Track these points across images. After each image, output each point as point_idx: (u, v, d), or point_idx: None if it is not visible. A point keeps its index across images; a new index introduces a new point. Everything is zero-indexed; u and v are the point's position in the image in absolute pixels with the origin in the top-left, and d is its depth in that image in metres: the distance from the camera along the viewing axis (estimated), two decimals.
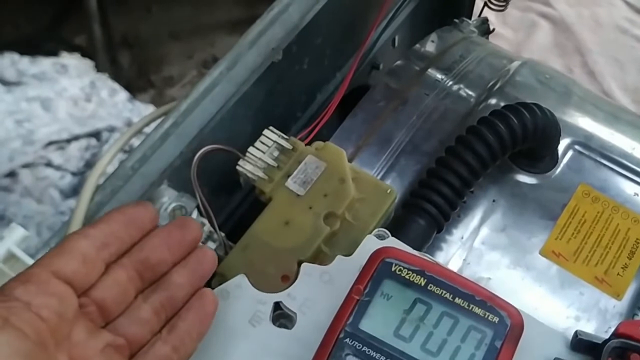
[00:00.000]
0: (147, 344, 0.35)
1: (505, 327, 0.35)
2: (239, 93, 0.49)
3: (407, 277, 0.37)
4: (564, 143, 0.52)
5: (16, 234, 0.38)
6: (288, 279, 0.41)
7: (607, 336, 0.37)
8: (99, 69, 1.14)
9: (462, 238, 0.49)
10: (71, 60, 1.09)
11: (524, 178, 0.51)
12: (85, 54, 1.15)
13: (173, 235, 0.37)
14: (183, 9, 1.46)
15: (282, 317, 0.40)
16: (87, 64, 1.11)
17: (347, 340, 0.35)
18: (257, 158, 0.45)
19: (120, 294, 0.35)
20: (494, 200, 0.50)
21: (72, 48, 1.21)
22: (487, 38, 0.73)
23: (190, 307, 0.36)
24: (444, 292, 0.36)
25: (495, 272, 0.48)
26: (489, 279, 0.47)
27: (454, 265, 0.48)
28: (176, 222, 0.38)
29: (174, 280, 0.36)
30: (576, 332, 0.37)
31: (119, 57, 1.41)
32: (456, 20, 0.67)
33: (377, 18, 0.59)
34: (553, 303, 0.47)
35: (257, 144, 0.46)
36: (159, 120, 0.47)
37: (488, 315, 0.35)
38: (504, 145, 0.46)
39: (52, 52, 1.10)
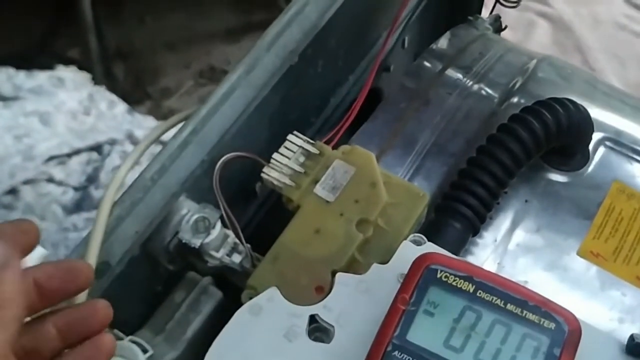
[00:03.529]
0: None
1: (563, 333, 0.33)
2: (259, 98, 0.47)
3: (454, 283, 0.35)
4: (594, 139, 0.51)
5: (36, 253, 0.36)
6: (322, 290, 0.39)
7: None
8: (95, 81, 1.12)
9: (496, 241, 0.47)
10: (67, 73, 1.07)
11: (556, 177, 0.49)
12: (79, 67, 1.13)
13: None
14: (177, 19, 1.44)
15: (318, 330, 0.38)
16: (84, 76, 1.09)
17: (396, 353, 0.33)
18: (283, 164, 0.43)
19: None
20: (526, 201, 0.48)
21: (65, 61, 1.19)
22: (499, 35, 0.72)
23: None
24: (495, 298, 0.34)
25: (532, 275, 0.46)
26: (526, 282, 0.45)
27: (488, 269, 0.46)
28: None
29: None
30: (632, 335, 0.36)
31: (114, 69, 1.38)
32: (470, 18, 0.65)
33: (396, 19, 0.57)
34: (594, 305, 0.45)
35: (282, 149, 0.44)
36: (175, 129, 0.45)
37: (543, 322, 0.33)
38: (538, 143, 0.44)
39: (46, 66, 1.08)
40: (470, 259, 0.47)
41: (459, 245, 0.43)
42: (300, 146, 0.44)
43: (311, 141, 0.44)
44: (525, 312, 0.34)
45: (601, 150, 0.51)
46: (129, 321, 0.43)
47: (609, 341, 0.36)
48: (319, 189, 0.42)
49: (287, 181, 0.43)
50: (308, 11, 0.50)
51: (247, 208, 0.57)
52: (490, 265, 0.47)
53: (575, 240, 0.47)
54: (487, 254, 0.47)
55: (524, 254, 0.47)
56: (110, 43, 1.39)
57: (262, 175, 0.43)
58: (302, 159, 0.43)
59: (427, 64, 0.58)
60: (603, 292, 0.45)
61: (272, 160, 0.43)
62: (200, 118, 0.44)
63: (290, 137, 0.44)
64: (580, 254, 0.46)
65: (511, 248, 0.47)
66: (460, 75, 0.56)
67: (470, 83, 0.55)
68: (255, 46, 0.47)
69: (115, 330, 0.39)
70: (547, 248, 0.47)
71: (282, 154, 0.43)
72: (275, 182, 0.43)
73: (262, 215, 0.58)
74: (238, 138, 0.47)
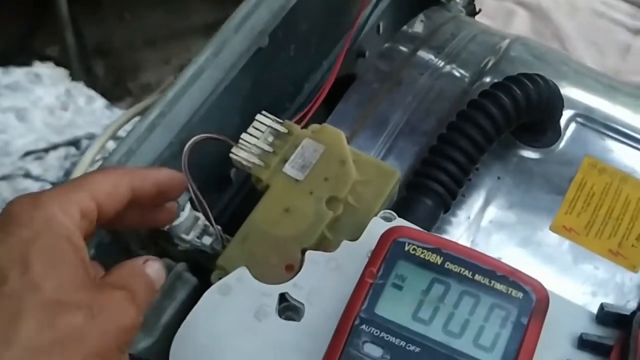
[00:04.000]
0: None
1: (531, 302, 0.33)
2: (227, 79, 0.47)
3: (422, 256, 0.34)
4: (565, 116, 0.51)
5: None
6: (292, 269, 0.39)
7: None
8: (73, 79, 1.11)
9: (469, 218, 0.47)
10: (44, 69, 1.06)
11: (528, 153, 0.49)
12: (58, 65, 1.12)
13: None
14: (156, 15, 1.43)
15: (288, 309, 0.38)
16: (61, 72, 1.08)
17: (363, 326, 0.33)
18: (251, 144, 0.43)
19: None
20: (498, 178, 0.48)
21: (44, 59, 1.18)
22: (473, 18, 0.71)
23: None
24: (463, 269, 0.34)
25: (505, 251, 0.46)
26: (500, 259, 0.45)
27: None
28: None
29: None
30: (602, 305, 0.35)
31: (93, 66, 1.37)
32: (443, 1, 0.65)
33: (364, 2, 0.56)
34: (568, 279, 0.45)
35: (250, 129, 0.43)
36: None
37: (511, 291, 0.33)
38: (508, 118, 0.44)
39: (25, 64, 1.07)
40: (444, 237, 0.47)
41: (431, 221, 0.43)
42: (269, 126, 0.43)
43: (279, 120, 0.44)
44: (493, 282, 0.34)
45: (572, 126, 0.51)
46: None
47: (579, 312, 0.36)
48: (288, 168, 0.42)
49: (256, 161, 0.42)
50: None
51: (222, 195, 0.57)
52: (463, 243, 0.46)
53: (547, 215, 0.47)
54: (460, 231, 0.47)
55: (497, 231, 0.47)
56: (89, 41, 1.38)
57: (231, 155, 0.43)
58: (270, 138, 0.43)
59: (399, 45, 0.58)
60: (576, 266, 0.45)
61: (240, 140, 0.43)
62: (167, 100, 0.44)
63: (258, 116, 0.44)
64: (553, 229, 0.46)
65: (484, 225, 0.47)
66: (432, 56, 0.56)
67: (442, 63, 0.55)
68: (222, 28, 0.47)
69: None
70: (520, 224, 0.47)
71: (250, 134, 0.43)
72: (244, 162, 0.42)
73: (238, 203, 0.57)
74: (208, 122, 0.47)
